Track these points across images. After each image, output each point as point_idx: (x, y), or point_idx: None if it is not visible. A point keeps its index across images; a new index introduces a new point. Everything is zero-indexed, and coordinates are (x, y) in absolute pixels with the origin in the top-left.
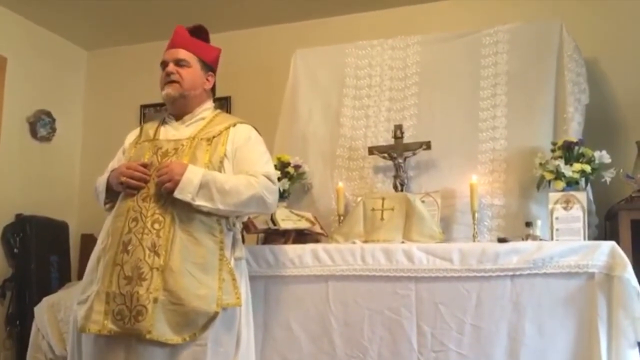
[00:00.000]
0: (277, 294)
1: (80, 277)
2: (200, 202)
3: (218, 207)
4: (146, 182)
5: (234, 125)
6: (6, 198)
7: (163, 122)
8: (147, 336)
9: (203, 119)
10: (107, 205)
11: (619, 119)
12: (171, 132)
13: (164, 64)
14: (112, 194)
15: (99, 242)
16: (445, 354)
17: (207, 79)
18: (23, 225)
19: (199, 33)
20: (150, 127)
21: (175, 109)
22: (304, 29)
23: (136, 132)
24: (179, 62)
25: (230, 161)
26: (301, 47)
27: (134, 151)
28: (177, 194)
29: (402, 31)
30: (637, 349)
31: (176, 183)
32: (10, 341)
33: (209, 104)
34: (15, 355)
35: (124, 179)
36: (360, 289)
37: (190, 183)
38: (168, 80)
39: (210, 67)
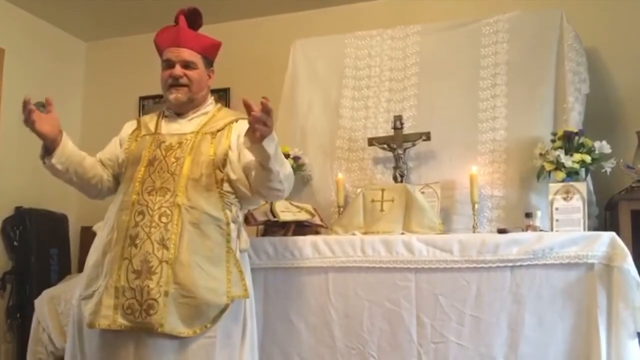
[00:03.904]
0: (277, 286)
1: (80, 269)
2: (274, 162)
3: (279, 172)
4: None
5: (237, 121)
6: (5, 191)
7: (163, 115)
8: (159, 330)
9: (206, 113)
10: (47, 163)
11: (620, 108)
12: (174, 126)
13: (169, 63)
14: (47, 146)
15: (102, 235)
16: (445, 345)
17: (209, 76)
18: (23, 218)
19: (196, 19)
20: (149, 120)
21: (182, 109)
22: (302, 19)
23: (133, 124)
24: (186, 64)
25: (235, 152)
26: (300, 37)
27: (135, 145)
28: (265, 143)
29: (401, 21)
30: (636, 339)
31: (270, 131)
32: (11, 334)
33: (211, 98)
34: (16, 347)
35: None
36: (360, 280)
37: (273, 139)
38: (176, 84)
39: (211, 62)
